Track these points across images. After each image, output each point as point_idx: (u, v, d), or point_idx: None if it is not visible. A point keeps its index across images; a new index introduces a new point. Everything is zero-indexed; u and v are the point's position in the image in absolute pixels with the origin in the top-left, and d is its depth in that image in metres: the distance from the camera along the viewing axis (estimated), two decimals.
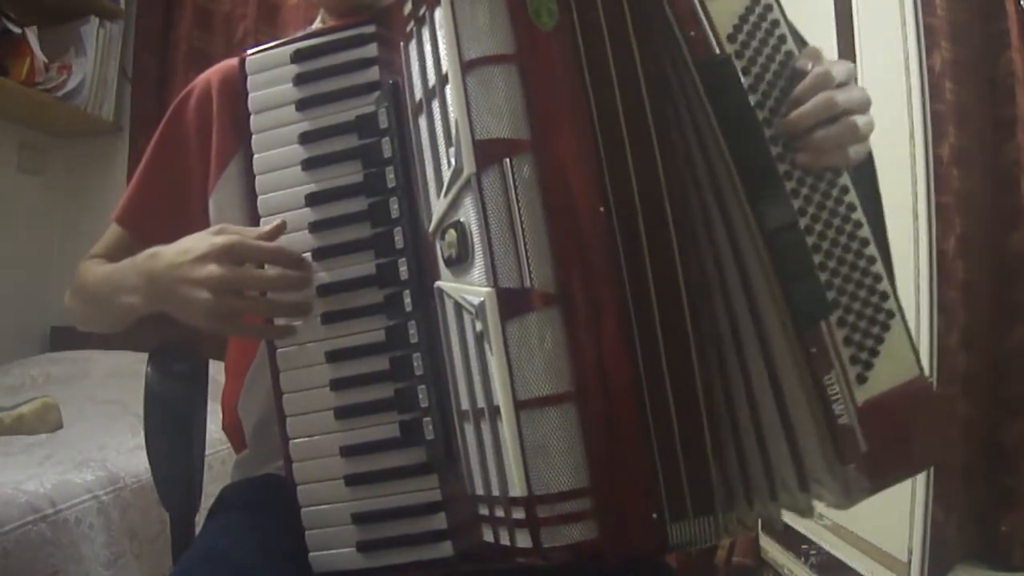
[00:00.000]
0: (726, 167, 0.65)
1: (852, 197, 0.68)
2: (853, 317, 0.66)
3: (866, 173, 0.72)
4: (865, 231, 0.68)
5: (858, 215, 0.68)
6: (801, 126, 0.67)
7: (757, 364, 0.65)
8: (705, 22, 0.65)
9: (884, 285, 0.68)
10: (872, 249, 0.68)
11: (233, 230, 0.74)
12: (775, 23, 0.69)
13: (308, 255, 0.74)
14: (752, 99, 0.66)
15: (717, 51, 0.65)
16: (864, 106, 0.70)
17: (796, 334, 0.64)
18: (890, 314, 0.68)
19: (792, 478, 0.65)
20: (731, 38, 0.66)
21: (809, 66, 0.68)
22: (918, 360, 0.68)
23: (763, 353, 0.65)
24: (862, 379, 0.66)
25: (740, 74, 0.66)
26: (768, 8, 0.68)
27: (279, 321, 0.75)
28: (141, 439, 0.94)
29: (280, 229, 0.74)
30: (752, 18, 0.68)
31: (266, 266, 0.74)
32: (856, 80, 0.72)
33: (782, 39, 0.69)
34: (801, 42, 0.70)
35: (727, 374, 0.65)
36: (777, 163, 0.66)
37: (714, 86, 0.65)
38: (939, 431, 0.69)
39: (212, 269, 0.71)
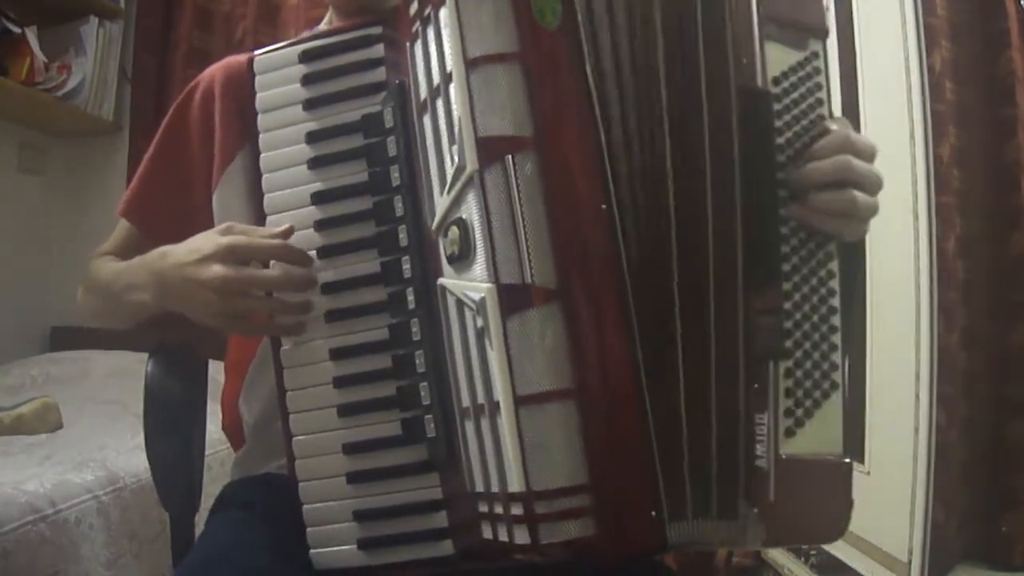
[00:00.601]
0: (735, 188, 0.66)
1: (836, 284, 0.70)
2: (800, 374, 0.67)
3: (856, 252, 0.73)
4: (837, 320, 0.70)
5: (836, 301, 0.70)
6: (811, 180, 0.68)
7: (709, 383, 0.65)
8: (758, 55, 0.67)
9: (837, 358, 0.69)
10: (837, 320, 0.69)
11: (240, 229, 0.75)
12: (818, 86, 0.71)
13: (313, 253, 0.74)
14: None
15: (760, 85, 0.67)
16: (875, 187, 0.71)
17: (745, 364, 0.65)
18: (834, 385, 0.69)
19: (713, 504, 0.64)
20: (776, 81, 0.68)
21: (835, 127, 0.70)
22: (845, 440, 0.69)
23: (722, 375, 0.65)
24: (791, 433, 0.66)
25: (774, 114, 0.68)
26: (816, 70, 0.71)
27: (284, 319, 0.75)
28: (141, 439, 0.94)
29: (288, 234, 0.74)
30: (800, 73, 0.70)
31: (272, 265, 0.75)
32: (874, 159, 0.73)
33: (819, 101, 0.71)
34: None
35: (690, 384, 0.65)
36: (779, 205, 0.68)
37: (748, 114, 0.66)
38: (843, 514, 0.69)
39: (217, 269, 0.72)
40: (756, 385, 0.64)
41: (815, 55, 0.72)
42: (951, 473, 1.60)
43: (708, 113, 0.66)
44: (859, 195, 0.69)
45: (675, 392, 0.64)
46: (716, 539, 0.64)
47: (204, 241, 0.75)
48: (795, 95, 0.69)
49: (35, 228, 2.50)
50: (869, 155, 0.70)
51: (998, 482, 1.71)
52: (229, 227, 0.75)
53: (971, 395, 1.71)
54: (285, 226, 0.74)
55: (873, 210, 0.70)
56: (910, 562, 1.36)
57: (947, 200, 1.66)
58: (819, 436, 0.68)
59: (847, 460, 0.69)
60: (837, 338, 0.70)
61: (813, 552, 1.66)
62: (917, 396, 1.38)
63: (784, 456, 0.65)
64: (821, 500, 0.68)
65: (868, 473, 1.46)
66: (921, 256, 1.39)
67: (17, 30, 2.19)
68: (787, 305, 0.67)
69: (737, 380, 0.64)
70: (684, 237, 0.65)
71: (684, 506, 0.63)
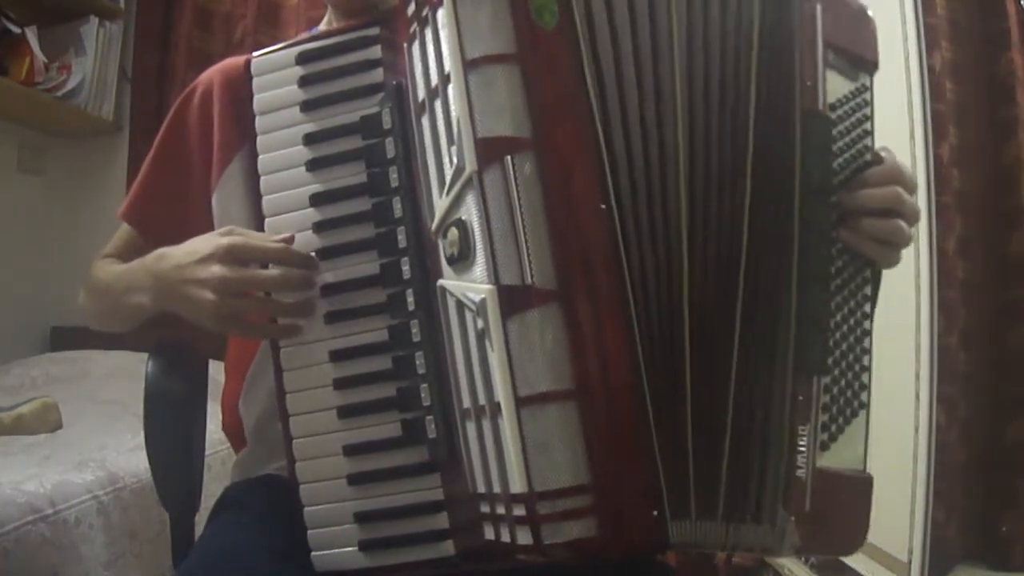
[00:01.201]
0: (793, 200, 0.68)
1: (869, 308, 0.73)
2: (836, 390, 0.69)
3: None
4: (869, 342, 0.72)
5: (869, 324, 0.73)
6: (863, 205, 0.70)
7: (761, 389, 0.66)
8: (821, 79, 0.69)
9: (867, 378, 0.72)
10: (869, 343, 0.72)
11: (240, 232, 0.75)
12: (867, 116, 0.74)
13: (312, 255, 0.74)
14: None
15: (821, 108, 0.69)
16: (915, 219, 0.74)
17: (793, 376, 0.66)
18: (863, 404, 0.71)
19: (752, 508, 0.66)
20: (832, 107, 0.70)
21: (886, 156, 0.72)
22: (866, 457, 0.72)
23: (770, 383, 0.66)
24: (825, 446, 0.68)
25: (832, 137, 0.70)
26: (865, 102, 0.74)
27: (283, 320, 0.75)
28: (141, 439, 0.94)
29: (288, 243, 0.74)
30: (852, 103, 0.73)
31: (270, 266, 0.75)
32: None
33: (867, 131, 0.73)
34: None
35: (739, 386, 0.66)
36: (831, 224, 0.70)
37: (810, 136, 0.68)
38: (863, 527, 0.72)
39: (215, 270, 0.72)
40: (801, 397, 0.65)
41: (865, 87, 0.74)
42: (951, 473, 1.61)
43: (756, 125, 0.67)
44: (904, 226, 0.72)
45: (682, 395, 0.65)
46: (756, 544, 0.65)
47: (203, 243, 0.75)
48: (847, 124, 0.72)
49: (35, 228, 2.49)
50: (912, 188, 0.74)
51: (998, 482, 1.71)
52: (230, 230, 0.75)
53: (971, 395, 1.71)
54: (286, 234, 0.74)
55: (909, 241, 0.74)
56: (910, 562, 1.36)
57: (947, 200, 1.66)
58: (847, 452, 0.70)
59: (870, 475, 0.71)
60: (868, 359, 0.72)
61: None
62: (917, 396, 1.38)
63: (818, 467, 0.66)
64: (846, 513, 0.70)
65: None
66: (921, 256, 1.39)
67: (17, 30, 2.19)
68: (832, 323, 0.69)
69: (785, 390, 0.65)
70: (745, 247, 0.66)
71: (687, 506, 0.64)
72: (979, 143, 1.77)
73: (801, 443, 0.65)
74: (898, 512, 1.36)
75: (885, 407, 0.76)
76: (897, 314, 1.39)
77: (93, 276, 0.94)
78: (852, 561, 1.53)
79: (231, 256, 0.73)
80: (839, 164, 0.71)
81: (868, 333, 0.72)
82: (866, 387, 0.72)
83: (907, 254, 1.36)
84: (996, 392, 1.76)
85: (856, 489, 0.71)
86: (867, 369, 0.72)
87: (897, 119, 1.40)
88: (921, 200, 1.39)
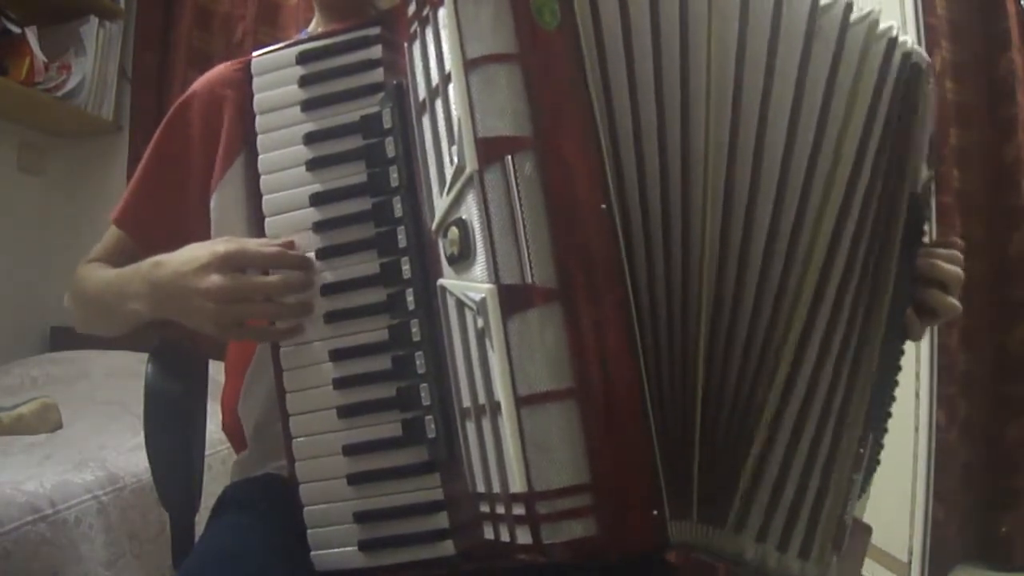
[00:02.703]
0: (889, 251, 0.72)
1: (900, 362, 0.79)
2: (868, 449, 0.73)
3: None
4: (893, 393, 0.79)
5: (896, 377, 0.79)
6: (930, 274, 0.76)
7: (829, 433, 0.69)
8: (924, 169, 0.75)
9: (883, 438, 0.77)
10: (891, 405, 0.78)
11: (236, 239, 0.75)
12: (928, 205, 0.81)
13: (312, 254, 0.74)
14: None
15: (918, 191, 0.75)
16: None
17: (864, 428, 0.70)
18: (878, 462, 0.76)
19: (798, 540, 0.68)
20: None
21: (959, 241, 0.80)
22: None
23: (844, 434, 0.69)
24: (858, 496, 0.72)
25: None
26: (931, 192, 0.82)
27: (283, 324, 0.75)
28: (141, 439, 0.94)
29: (288, 247, 0.74)
30: (927, 193, 0.79)
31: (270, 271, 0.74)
32: None
33: (927, 218, 0.79)
34: None
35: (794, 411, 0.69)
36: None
37: (911, 216, 0.73)
38: (861, 566, 0.78)
39: (215, 279, 0.72)
40: (862, 450, 0.69)
41: (932, 179, 0.79)
42: (951, 473, 1.61)
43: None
44: (956, 306, 0.78)
45: (692, 400, 0.66)
46: (796, 572, 0.68)
47: (200, 250, 0.74)
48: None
49: (35, 228, 2.49)
50: (959, 284, 0.79)
51: (998, 482, 1.71)
52: (228, 238, 0.75)
53: (971, 395, 1.72)
54: (285, 239, 0.74)
55: (941, 321, 0.81)
56: (910, 562, 1.36)
57: (947, 200, 1.67)
58: (863, 502, 0.74)
59: (870, 525, 0.77)
60: (887, 422, 0.76)
61: None
62: (917, 396, 1.38)
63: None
64: (857, 556, 0.75)
65: None
66: None
67: (17, 30, 2.19)
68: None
69: (852, 444, 0.69)
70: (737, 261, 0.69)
71: (689, 506, 0.64)
72: (979, 143, 1.77)
73: (853, 490, 0.70)
74: (898, 512, 1.36)
75: None
76: None
77: (81, 280, 0.93)
78: None
79: (229, 264, 0.73)
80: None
81: (894, 398, 0.78)
82: (883, 446, 0.77)
83: None
84: (996, 392, 1.76)
85: (863, 535, 0.76)
86: (887, 430, 0.77)
87: None
88: None
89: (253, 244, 0.74)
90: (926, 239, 0.79)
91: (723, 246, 0.68)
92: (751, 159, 0.69)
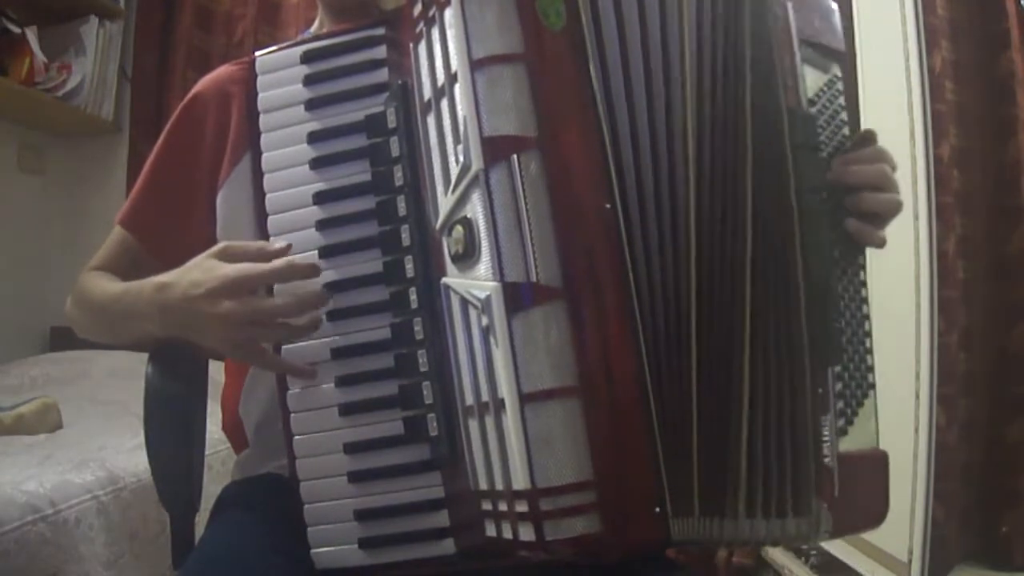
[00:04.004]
0: (790, 196, 0.67)
1: (864, 276, 0.74)
2: (847, 375, 0.71)
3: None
4: (866, 308, 0.74)
5: (865, 292, 0.74)
6: (854, 180, 0.72)
7: (780, 385, 0.67)
8: (800, 77, 0.69)
9: (870, 360, 0.74)
10: (868, 325, 0.74)
11: (236, 248, 0.73)
12: (841, 107, 0.75)
13: (315, 253, 0.74)
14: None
15: (803, 106, 0.70)
16: (898, 192, 0.76)
17: (812, 370, 0.66)
18: (871, 385, 0.73)
19: (789, 502, 0.66)
20: (811, 103, 0.71)
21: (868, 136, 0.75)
22: (878, 434, 0.75)
23: (790, 380, 0.67)
24: (843, 432, 0.70)
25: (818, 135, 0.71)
26: (839, 93, 0.75)
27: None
28: (141, 439, 0.94)
29: (284, 251, 0.73)
30: (827, 95, 0.74)
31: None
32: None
33: (844, 122, 0.75)
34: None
35: (761, 385, 0.66)
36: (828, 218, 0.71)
37: (796, 136, 0.68)
38: (884, 500, 0.75)
39: (227, 305, 0.71)
40: (821, 390, 0.66)
41: (837, 79, 0.76)
42: (951, 473, 1.61)
43: (753, 127, 0.67)
44: (898, 199, 0.74)
45: (687, 393, 0.65)
46: (793, 535, 0.66)
47: (205, 273, 0.73)
48: (825, 116, 0.73)
49: (35, 228, 2.49)
50: (895, 168, 0.76)
51: (998, 482, 1.71)
52: (224, 249, 0.73)
53: (971, 395, 1.72)
54: (281, 244, 0.73)
55: (898, 211, 0.76)
56: (910, 562, 1.36)
57: (947, 200, 1.66)
58: (861, 434, 0.72)
59: (884, 451, 0.74)
60: (869, 341, 0.73)
61: (813, 552, 1.66)
62: (917, 396, 1.38)
63: (841, 454, 0.67)
64: (869, 491, 0.72)
65: None
66: (921, 256, 1.39)
67: (17, 30, 2.19)
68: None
69: (805, 386, 0.66)
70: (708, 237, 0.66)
71: (690, 503, 0.64)
72: (979, 143, 1.77)
73: (825, 434, 0.66)
74: (898, 512, 1.36)
75: (885, 407, 0.78)
76: (897, 314, 1.39)
77: (83, 290, 0.92)
78: (852, 561, 1.53)
79: (240, 288, 0.71)
80: (826, 155, 0.72)
81: (867, 316, 0.74)
82: (871, 368, 0.73)
83: (907, 254, 1.37)
84: (996, 392, 1.76)
85: (874, 467, 0.73)
86: (870, 351, 0.73)
87: (897, 119, 1.40)
88: (921, 200, 1.39)
89: (253, 250, 0.73)
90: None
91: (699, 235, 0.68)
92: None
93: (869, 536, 1.48)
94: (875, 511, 0.73)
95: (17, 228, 2.44)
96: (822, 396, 0.66)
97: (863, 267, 0.75)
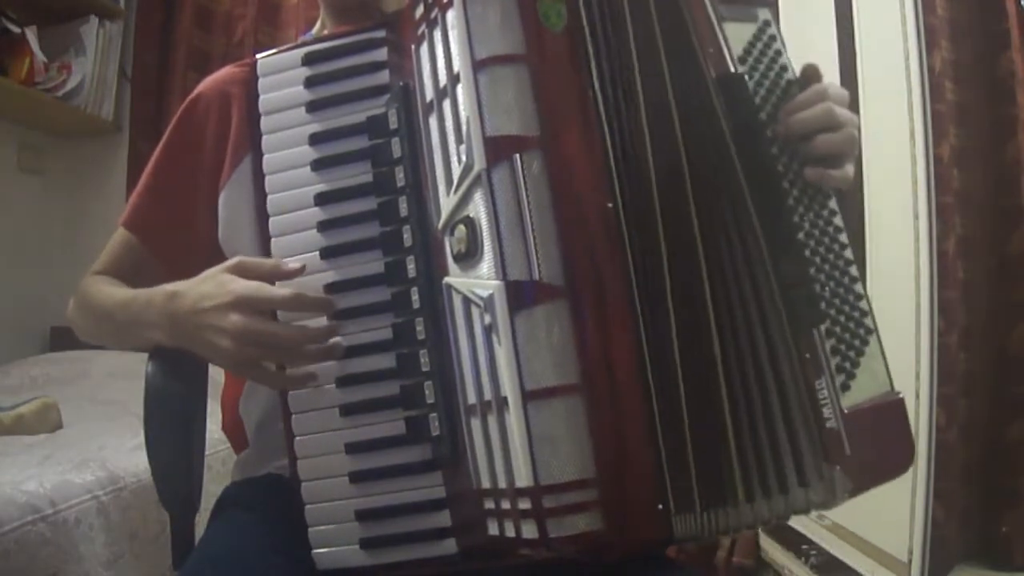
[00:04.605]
0: (738, 177, 0.67)
1: (839, 220, 0.73)
2: (839, 329, 0.70)
3: (849, 205, 0.75)
4: (849, 253, 0.72)
5: (844, 237, 0.72)
6: (799, 131, 0.71)
7: (763, 364, 0.66)
8: (722, 41, 0.69)
9: (864, 304, 0.72)
10: (855, 270, 0.72)
11: (250, 265, 0.73)
12: (778, 52, 0.74)
13: (316, 254, 0.74)
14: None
15: (732, 69, 0.69)
16: (856, 126, 0.74)
17: (793, 338, 0.66)
18: (869, 330, 0.72)
19: (792, 475, 0.65)
20: (742, 60, 0.71)
21: (809, 73, 0.73)
22: (889, 375, 0.73)
23: (769, 354, 0.66)
24: (846, 387, 0.69)
25: (751, 92, 0.70)
26: (772, 38, 0.74)
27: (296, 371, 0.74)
28: (141, 439, 0.94)
29: (299, 272, 0.73)
30: (759, 45, 0.72)
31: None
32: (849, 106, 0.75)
33: (784, 68, 0.74)
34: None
35: (741, 370, 0.66)
36: (781, 176, 0.70)
37: (729, 101, 0.68)
38: (908, 444, 0.74)
39: (235, 320, 0.71)
40: (808, 355, 0.65)
41: (767, 23, 0.74)
42: (951, 473, 1.61)
43: (679, 108, 0.67)
44: (854, 132, 0.72)
45: (675, 385, 0.65)
46: (803, 506, 0.65)
47: (216, 287, 0.73)
48: (762, 67, 0.72)
49: (35, 228, 2.49)
50: (844, 102, 0.74)
51: (998, 482, 1.71)
52: (239, 264, 0.74)
53: (971, 395, 1.72)
54: (296, 265, 0.73)
55: (856, 148, 0.74)
56: (910, 562, 1.36)
57: (947, 200, 1.66)
58: (868, 382, 0.70)
59: (899, 394, 0.72)
60: (859, 286, 0.72)
61: (813, 552, 1.66)
62: (917, 396, 1.38)
63: (846, 410, 0.67)
64: (887, 438, 0.71)
65: None
66: (921, 256, 1.39)
67: (17, 30, 2.19)
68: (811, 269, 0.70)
69: (791, 355, 0.66)
70: (703, 230, 0.66)
71: (691, 499, 0.64)
72: (979, 143, 1.77)
73: (822, 396, 0.65)
74: (898, 512, 1.36)
75: None
76: (897, 314, 1.39)
77: (88, 294, 0.92)
78: (852, 561, 1.53)
79: (248, 305, 0.71)
80: (770, 108, 0.71)
81: (851, 262, 0.72)
82: (866, 312, 0.72)
83: (907, 254, 1.37)
84: (996, 392, 1.76)
85: (889, 412, 0.72)
86: (861, 296, 0.72)
87: (897, 119, 1.40)
88: (921, 200, 1.39)
89: (267, 268, 0.73)
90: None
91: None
92: None
93: (869, 536, 1.49)
94: (899, 456, 0.72)
95: (17, 228, 2.44)
96: (811, 360, 0.66)
97: (836, 212, 0.73)
